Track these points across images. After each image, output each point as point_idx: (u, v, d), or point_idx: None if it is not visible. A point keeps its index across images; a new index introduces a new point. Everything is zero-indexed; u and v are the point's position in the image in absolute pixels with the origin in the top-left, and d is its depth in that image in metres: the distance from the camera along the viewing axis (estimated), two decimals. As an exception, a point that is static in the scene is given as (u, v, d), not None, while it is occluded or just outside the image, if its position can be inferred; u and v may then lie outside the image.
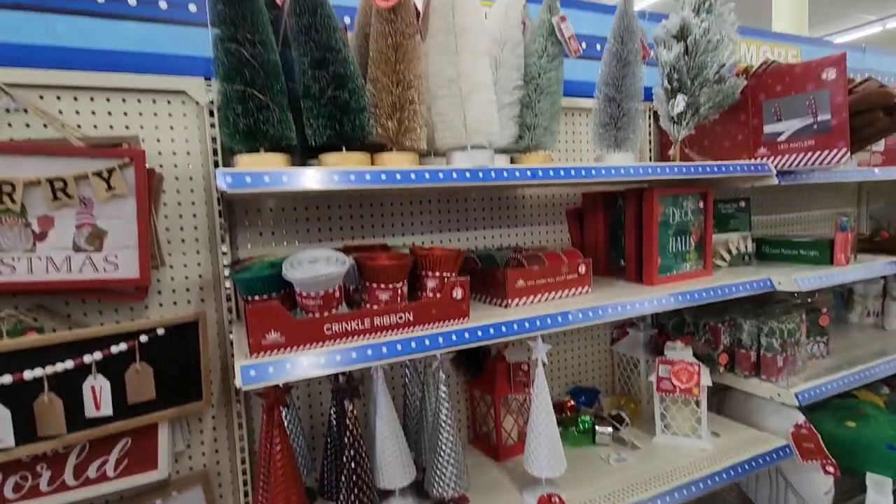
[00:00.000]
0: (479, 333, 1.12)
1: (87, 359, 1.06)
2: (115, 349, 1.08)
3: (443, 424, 1.22)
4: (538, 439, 1.29)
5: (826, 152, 1.45)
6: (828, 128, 1.44)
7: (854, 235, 1.79)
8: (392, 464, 1.24)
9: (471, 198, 1.69)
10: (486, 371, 1.61)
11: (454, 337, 1.09)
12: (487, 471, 1.50)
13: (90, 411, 1.08)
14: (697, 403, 1.56)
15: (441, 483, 1.21)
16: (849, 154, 1.42)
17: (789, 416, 1.65)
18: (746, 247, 1.83)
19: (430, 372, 1.29)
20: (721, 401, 1.89)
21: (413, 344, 1.04)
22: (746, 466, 1.47)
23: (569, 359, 1.93)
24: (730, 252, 1.82)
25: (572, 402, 1.79)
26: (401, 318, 1.06)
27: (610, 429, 1.59)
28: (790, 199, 2.47)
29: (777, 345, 1.62)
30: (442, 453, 1.21)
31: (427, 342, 1.06)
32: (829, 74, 1.41)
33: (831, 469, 1.52)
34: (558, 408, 1.75)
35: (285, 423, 1.16)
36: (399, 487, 1.26)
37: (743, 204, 1.82)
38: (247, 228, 1.38)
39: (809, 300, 1.92)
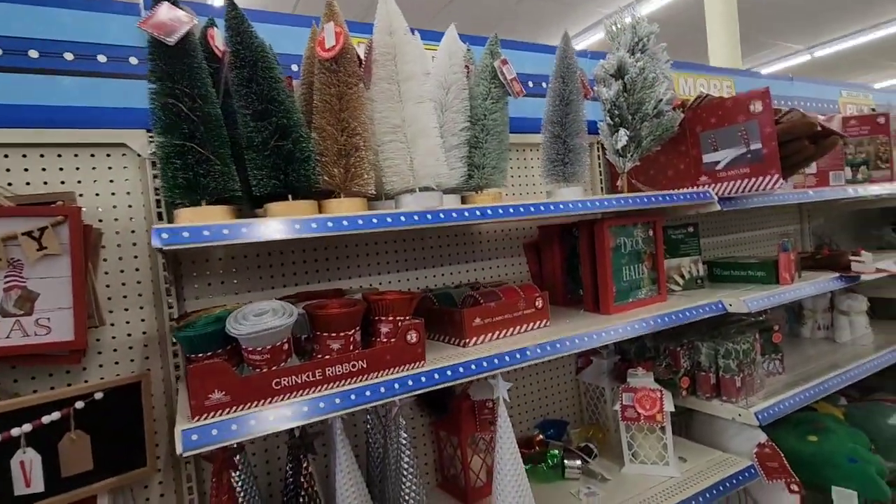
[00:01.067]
0: (437, 377, 1.10)
1: (14, 432, 0.98)
2: (46, 419, 1.01)
3: (405, 472, 1.18)
4: (504, 481, 1.26)
5: (761, 179, 1.53)
6: (760, 156, 1.52)
7: (797, 255, 1.87)
8: (354, 519, 1.19)
9: (426, 237, 1.70)
10: (450, 411, 1.58)
11: (410, 382, 1.07)
12: (457, 516, 1.46)
13: (20, 489, 1.00)
14: (663, 430, 1.57)
15: (406, 536, 1.16)
16: (781, 180, 1.50)
17: (752, 436, 1.67)
18: (698, 270, 1.89)
19: (391, 418, 1.26)
20: (687, 424, 1.90)
21: (368, 393, 1.02)
22: (714, 492, 1.47)
23: (535, 391, 1.92)
24: (682, 276, 1.87)
25: (541, 437, 1.77)
26: (354, 366, 1.03)
27: (579, 462, 1.58)
28: (737, 222, 2.58)
29: (734, 366, 1.66)
30: (405, 502, 1.17)
31: (382, 390, 1.03)
32: (756, 107, 1.50)
33: (795, 488, 1.53)
34: (527, 443, 1.73)
35: (237, 486, 1.10)
36: (362, 543, 1.20)
37: (691, 229, 1.88)
38: (194, 279, 1.33)
39: (762, 318, 1.99)
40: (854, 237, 3.06)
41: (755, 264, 1.86)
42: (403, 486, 1.17)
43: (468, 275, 1.78)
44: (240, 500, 1.17)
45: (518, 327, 1.37)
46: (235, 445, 1.07)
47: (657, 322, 1.49)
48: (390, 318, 1.11)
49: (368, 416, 1.45)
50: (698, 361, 1.73)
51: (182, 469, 1.25)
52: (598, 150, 2.00)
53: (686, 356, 1.76)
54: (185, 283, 1.33)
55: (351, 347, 1.05)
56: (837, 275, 1.90)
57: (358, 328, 1.07)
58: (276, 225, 0.96)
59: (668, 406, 1.55)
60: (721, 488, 1.49)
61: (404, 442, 1.19)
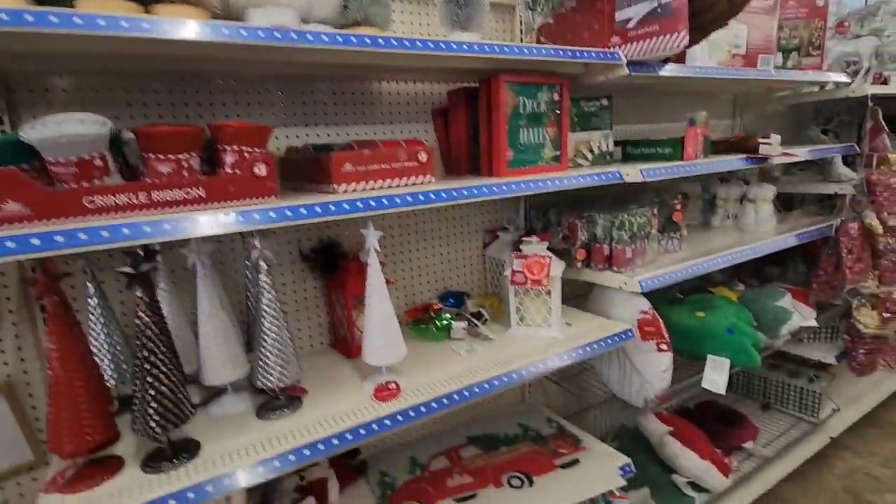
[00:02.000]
0: (289, 213, 1.05)
1: None
2: None
3: (264, 312, 1.16)
4: (373, 328, 1.27)
5: (668, 37, 1.44)
6: (669, 10, 1.42)
7: (706, 131, 1.84)
8: (216, 359, 1.19)
9: (318, 90, 1.57)
10: (340, 271, 1.56)
11: (257, 216, 1.01)
12: (339, 368, 1.49)
13: None
14: (549, 294, 1.61)
15: (264, 373, 1.17)
16: (688, 38, 1.42)
17: (637, 304, 1.75)
18: (608, 146, 1.85)
19: (252, 262, 1.22)
20: (586, 299, 1.97)
21: (203, 220, 0.96)
22: (588, 348, 1.55)
23: (440, 264, 1.92)
24: (592, 151, 1.83)
25: (439, 305, 1.80)
26: (189, 193, 0.96)
27: (465, 324, 1.62)
28: (668, 111, 2.52)
29: (627, 237, 1.68)
30: (265, 342, 1.17)
31: (223, 217, 0.98)
32: (670, -49, 1.38)
33: (664, 347, 1.63)
34: (424, 309, 1.75)
35: (90, 315, 1.06)
36: (225, 383, 1.21)
37: (605, 102, 1.81)
38: (32, 111, 1.20)
39: (675, 202, 2.00)
40: (786, 138, 3.07)
41: (664, 141, 1.83)
42: (263, 326, 1.16)
43: (367, 137, 1.69)
44: (92, 335, 1.14)
45: (397, 180, 1.31)
46: (58, 269, 1.02)
47: (546, 185, 1.46)
48: (236, 148, 1.02)
49: (247, 273, 1.42)
50: (595, 234, 1.75)
51: (34, 307, 1.20)
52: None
53: (584, 229, 1.77)
54: (22, 116, 1.19)
55: (185, 173, 0.97)
56: (745, 156, 1.90)
57: (195, 154, 0.99)
58: (78, 19, 0.83)
59: (555, 272, 1.58)
60: (595, 346, 1.56)
61: (265, 284, 1.16)
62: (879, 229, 2.20)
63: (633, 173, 1.58)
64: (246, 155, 1.02)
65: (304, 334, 1.66)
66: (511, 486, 1.63)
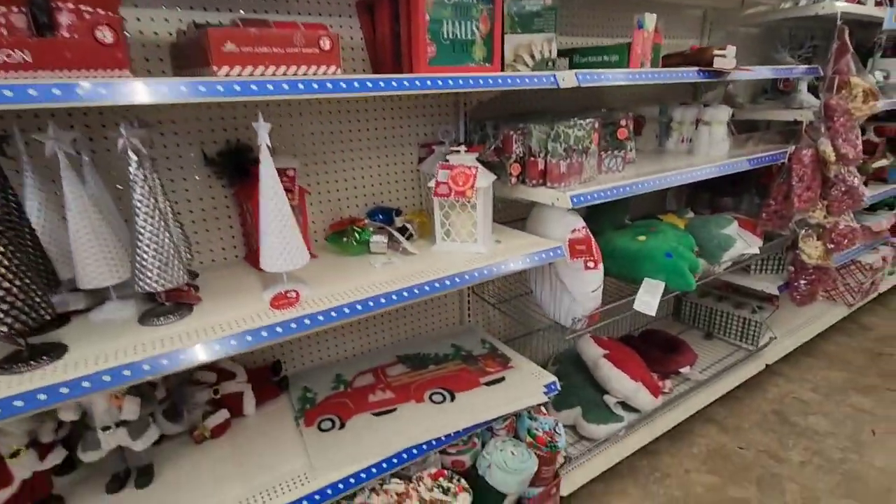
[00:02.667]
0: (143, 88, 0.91)
1: None
2: None
3: (136, 209, 1.05)
4: (268, 232, 1.18)
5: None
6: None
7: (657, 40, 1.70)
8: (87, 262, 1.08)
9: (218, -34, 1.37)
10: (251, 178, 1.44)
11: (103, 91, 0.87)
12: (245, 278, 1.41)
13: None
14: (475, 208, 1.52)
15: (141, 275, 1.08)
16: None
17: (571, 222, 1.68)
18: (551, 52, 1.69)
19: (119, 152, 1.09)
20: (524, 219, 1.89)
21: (32, 92, 0.82)
22: (512, 264, 1.48)
23: (371, 177, 1.80)
24: (532, 56, 1.68)
25: (365, 220, 1.70)
26: (10, 56, 0.82)
27: (384, 237, 1.53)
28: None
29: (562, 150, 1.58)
30: (139, 242, 1.07)
31: (57, 92, 0.84)
32: None
33: (592, 265, 1.57)
34: (348, 223, 1.66)
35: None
36: (100, 286, 1.12)
37: (549, 1, 1.64)
38: None
39: (620, 117, 1.89)
40: (757, 62, 2.93)
41: (610, 48, 1.69)
42: (136, 225, 1.06)
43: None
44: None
45: (293, 68, 1.17)
46: None
47: (474, 83, 1.34)
48: (73, 6, 0.87)
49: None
50: (530, 146, 1.64)
51: None
52: None
53: (519, 141, 1.66)
54: None
55: (4, 31, 0.82)
56: (698, 69, 1.78)
57: (20, 9, 0.83)
58: None
59: (482, 183, 1.48)
60: (520, 262, 1.50)
61: (134, 177, 1.04)
62: (832, 157, 2.13)
63: (568, 77, 1.45)
64: (86, 15, 0.87)
65: (216, 246, 1.56)
66: (432, 401, 1.62)
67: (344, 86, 1.12)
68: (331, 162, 1.70)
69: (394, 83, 1.20)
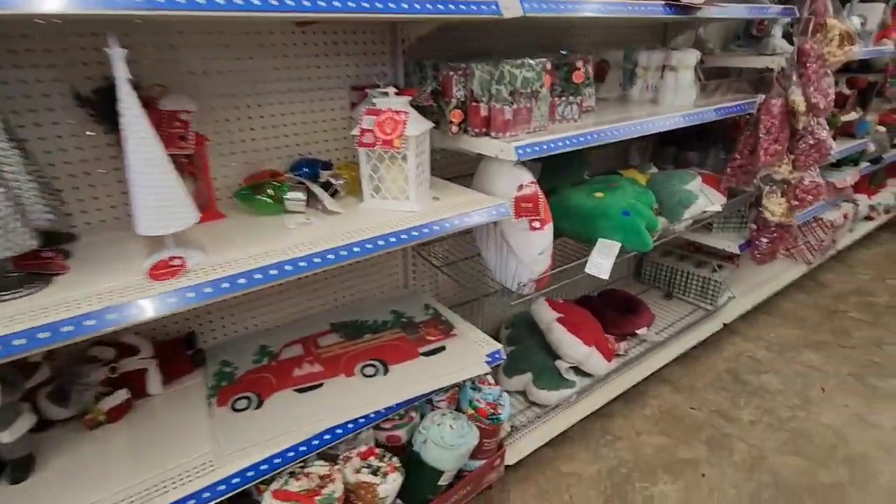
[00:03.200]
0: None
1: None
2: None
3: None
4: (138, 187, 0.97)
5: None
6: None
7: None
8: None
9: None
10: (134, 123, 1.21)
11: None
12: (132, 242, 1.19)
13: None
14: (405, 159, 1.33)
15: None
16: None
17: (518, 177, 1.51)
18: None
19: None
20: (475, 173, 1.71)
21: None
22: (448, 225, 1.31)
23: (295, 124, 1.58)
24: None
25: (286, 174, 1.49)
26: None
27: (302, 194, 1.33)
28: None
29: (506, 93, 1.39)
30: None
31: None
32: None
33: (537, 225, 1.42)
34: (267, 177, 1.45)
35: None
36: None
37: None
38: None
39: (576, 59, 1.69)
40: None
41: (566, -27, 1.47)
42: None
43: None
44: None
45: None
46: None
47: (396, 7, 1.12)
48: None
49: None
50: (472, 90, 1.44)
51: None
52: None
53: (461, 84, 1.45)
54: None
55: None
56: (664, 2, 1.58)
57: None
58: None
59: (412, 130, 1.28)
60: (457, 221, 1.33)
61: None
62: (802, 107, 2.00)
63: (512, 6, 1.24)
64: None
65: (104, 203, 1.33)
66: (364, 374, 1.48)
67: (222, 2, 0.89)
68: (244, 107, 1.47)
69: (305, 1, 0.97)
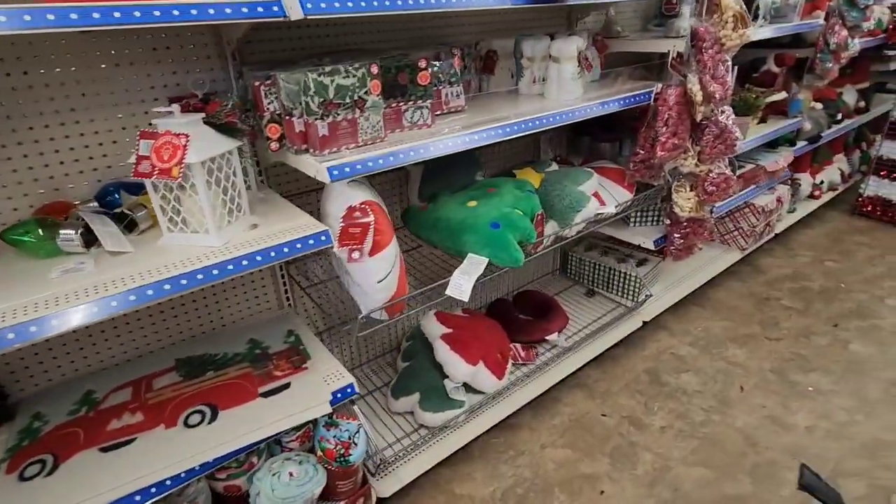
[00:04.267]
0: None
1: None
2: None
3: None
4: None
5: None
6: None
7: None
8: None
9: None
10: None
11: None
12: None
13: None
14: (195, 188, 1.15)
15: None
16: None
17: (349, 196, 1.34)
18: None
19: None
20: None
21: None
22: (247, 262, 1.15)
23: (101, 144, 1.39)
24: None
25: (82, 206, 1.31)
26: None
27: (72, 231, 1.15)
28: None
29: (316, 106, 1.21)
30: None
31: None
32: None
33: (357, 255, 1.26)
34: (47, 211, 1.26)
35: None
36: None
37: None
38: None
39: (419, 58, 1.50)
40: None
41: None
42: None
43: None
44: None
45: None
46: None
47: (163, 17, 0.93)
48: None
49: None
50: (283, 102, 1.26)
51: None
52: None
53: (272, 95, 1.27)
54: None
55: None
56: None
57: None
58: None
59: (195, 157, 1.10)
60: (260, 258, 1.17)
61: None
62: (698, 96, 1.84)
63: (294, 7, 1.05)
64: None
65: None
66: (187, 424, 1.33)
67: None
68: (35, 118, 1.28)
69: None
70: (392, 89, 1.42)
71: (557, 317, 2.41)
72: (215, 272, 1.11)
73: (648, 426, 2.16)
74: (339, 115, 1.23)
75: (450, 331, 1.93)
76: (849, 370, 2.40)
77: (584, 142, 2.56)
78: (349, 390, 1.46)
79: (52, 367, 1.49)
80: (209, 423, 1.33)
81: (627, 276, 2.63)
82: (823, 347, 2.56)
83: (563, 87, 1.79)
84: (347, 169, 1.21)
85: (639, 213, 2.49)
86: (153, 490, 1.18)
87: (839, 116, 3.44)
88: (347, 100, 1.24)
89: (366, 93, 1.27)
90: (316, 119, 1.21)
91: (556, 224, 1.88)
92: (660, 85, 1.91)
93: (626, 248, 2.81)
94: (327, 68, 1.19)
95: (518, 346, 2.23)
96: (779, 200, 3.12)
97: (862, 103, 3.80)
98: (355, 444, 1.47)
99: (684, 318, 2.85)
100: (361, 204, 1.31)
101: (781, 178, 3.11)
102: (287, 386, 1.45)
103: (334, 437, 1.48)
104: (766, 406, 2.24)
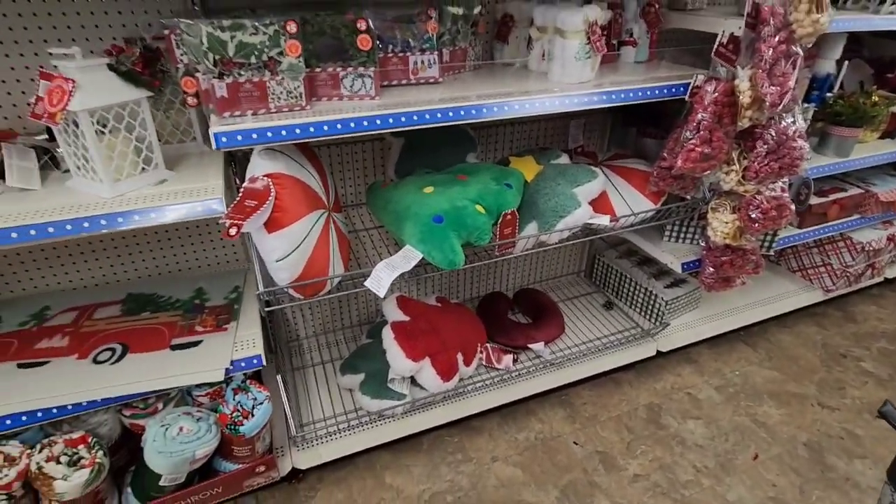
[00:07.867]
0: None
1: None
2: None
3: None
4: None
5: None
6: None
7: None
8: None
9: None
10: None
11: None
12: None
13: None
14: (84, 135, 1.14)
15: None
16: None
17: (257, 166, 1.25)
18: None
19: None
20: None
21: None
22: (121, 220, 1.13)
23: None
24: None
25: (21, 136, 1.37)
26: None
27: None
28: None
29: (211, 63, 1.11)
30: None
31: None
32: None
33: (233, 231, 1.16)
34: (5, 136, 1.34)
35: None
36: None
37: None
38: None
39: (355, 19, 1.31)
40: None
41: None
42: None
43: None
44: None
45: None
46: None
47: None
48: None
49: None
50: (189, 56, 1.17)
51: None
52: None
53: (183, 46, 1.19)
54: None
55: None
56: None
57: None
58: None
59: (80, 104, 1.08)
60: (136, 217, 1.13)
61: None
62: (746, 97, 1.42)
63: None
64: None
65: None
66: (95, 360, 1.40)
67: None
68: (13, 52, 1.35)
69: None
70: (337, 53, 1.27)
71: (550, 326, 2.16)
72: (86, 224, 1.10)
73: (621, 469, 1.89)
74: (241, 75, 1.13)
75: (406, 319, 1.81)
76: (909, 472, 1.87)
77: (631, 134, 2.18)
78: (255, 361, 1.43)
79: (26, 279, 1.65)
80: (113, 363, 1.39)
81: (650, 295, 2.26)
82: (887, 432, 2.02)
83: (567, 68, 1.49)
84: (240, 137, 1.12)
85: (676, 227, 2.09)
86: (39, 415, 1.26)
87: None
88: (253, 59, 1.12)
89: (280, 53, 1.14)
90: (213, 77, 1.11)
91: (537, 225, 1.64)
92: (700, 76, 1.52)
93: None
94: (227, 22, 1.08)
95: (495, 347, 2.05)
96: (891, 239, 2.44)
97: None
98: (252, 416, 1.45)
99: (722, 356, 2.42)
100: (265, 176, 1.21)
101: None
102: (198, 343, 1.46)
103: (237, 402, 1.47)
104: (776, 486, 1.84)
